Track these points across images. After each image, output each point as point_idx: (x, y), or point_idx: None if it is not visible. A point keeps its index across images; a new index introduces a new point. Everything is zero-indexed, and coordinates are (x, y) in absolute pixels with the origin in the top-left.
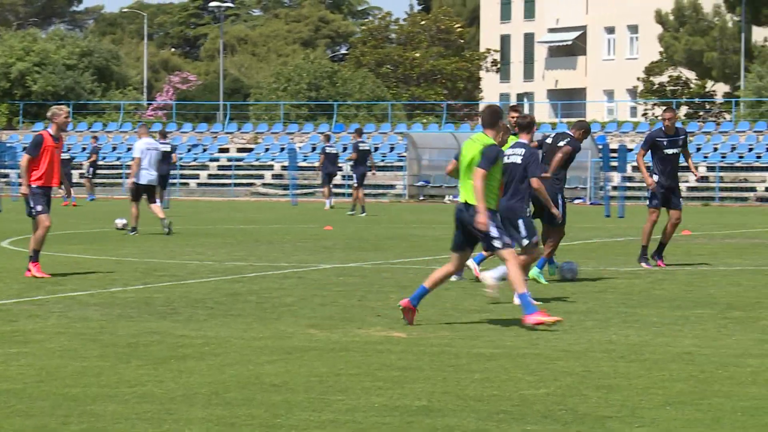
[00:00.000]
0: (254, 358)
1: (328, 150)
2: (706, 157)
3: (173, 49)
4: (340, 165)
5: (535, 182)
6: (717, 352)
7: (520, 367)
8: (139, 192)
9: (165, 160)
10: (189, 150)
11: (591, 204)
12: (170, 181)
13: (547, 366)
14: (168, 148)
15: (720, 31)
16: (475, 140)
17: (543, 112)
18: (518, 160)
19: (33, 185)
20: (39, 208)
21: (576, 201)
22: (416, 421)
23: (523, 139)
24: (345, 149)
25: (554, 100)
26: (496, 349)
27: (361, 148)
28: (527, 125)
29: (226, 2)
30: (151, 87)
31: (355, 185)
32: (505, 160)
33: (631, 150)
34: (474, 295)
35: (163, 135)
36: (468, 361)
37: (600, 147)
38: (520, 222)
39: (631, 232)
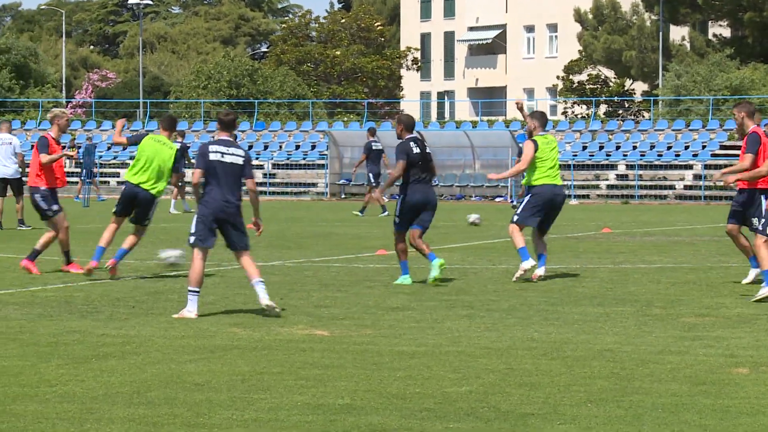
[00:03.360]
0: (176, 357)
1: (374, 147)
2: (625, 156)
3: (92, 47)
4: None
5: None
6: (637, 349)
7: (443, 365)
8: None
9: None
10: (109, 148)
11: (512, 202)
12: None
13: (470, 364)
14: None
15: (638, 30)
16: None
17: (464, 110)
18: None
19: (43, 187)
20: (55, 207)
21: (497, 199)
22: (339, 420)
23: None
24: (250, 147)
25: (475, 99)
26: (418, 348)
27: (374, 147)
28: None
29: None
30: (70, 85)
31: (371, 185)
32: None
33: None
34: (396, 294)
35: (182, 135)
36: (390, 360)
37: (520, 145)
38: None
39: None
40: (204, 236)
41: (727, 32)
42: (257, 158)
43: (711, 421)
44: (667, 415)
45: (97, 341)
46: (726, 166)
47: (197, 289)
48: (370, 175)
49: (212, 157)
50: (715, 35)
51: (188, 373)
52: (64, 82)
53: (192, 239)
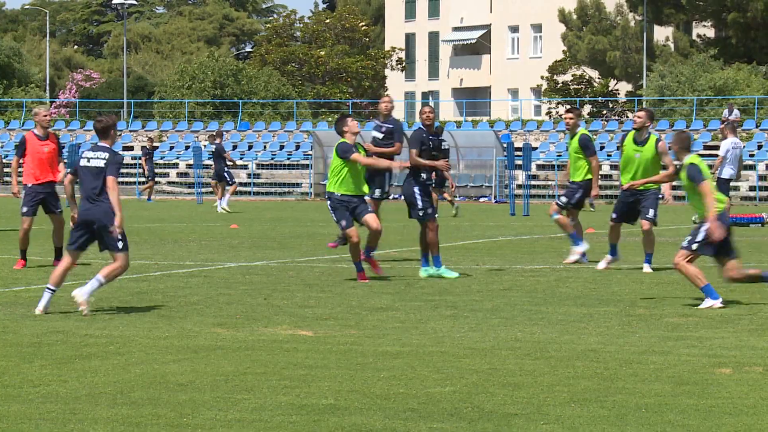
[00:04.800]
0: (160, 357)
1: (443, 146)
2: (609, 156)
3: (76, 47)
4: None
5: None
6: (621, 350)
7: (427, 365)
8: None
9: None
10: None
11: (496, 202)
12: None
13: (454, 364)
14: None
15: (622, 30)
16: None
17: (448, 110)
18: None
19: (28, 185)
20: (24, 209)
21: (481, 199)
22: (323, 420)
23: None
24: (234, 147)
25: (459, 99)
26: (402, 348)
27: (443, 147)
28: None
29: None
30: (53, 85)
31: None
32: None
33: (535, 149)
34: (380, 294)
35: (219, 136)
36: (375, 360)
37: (505, 145)
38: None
39: (536, 230)
40: (73, 240)
41: (711, 33)
42: (241, 158)
43: (694, 421)
44: (651, 415)
45: (81, 341)
46: (710, 166)
47: (54, 288)
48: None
49: (81, 162)
50: (699, 36)
51: (172, 374)
52: (48, 81)
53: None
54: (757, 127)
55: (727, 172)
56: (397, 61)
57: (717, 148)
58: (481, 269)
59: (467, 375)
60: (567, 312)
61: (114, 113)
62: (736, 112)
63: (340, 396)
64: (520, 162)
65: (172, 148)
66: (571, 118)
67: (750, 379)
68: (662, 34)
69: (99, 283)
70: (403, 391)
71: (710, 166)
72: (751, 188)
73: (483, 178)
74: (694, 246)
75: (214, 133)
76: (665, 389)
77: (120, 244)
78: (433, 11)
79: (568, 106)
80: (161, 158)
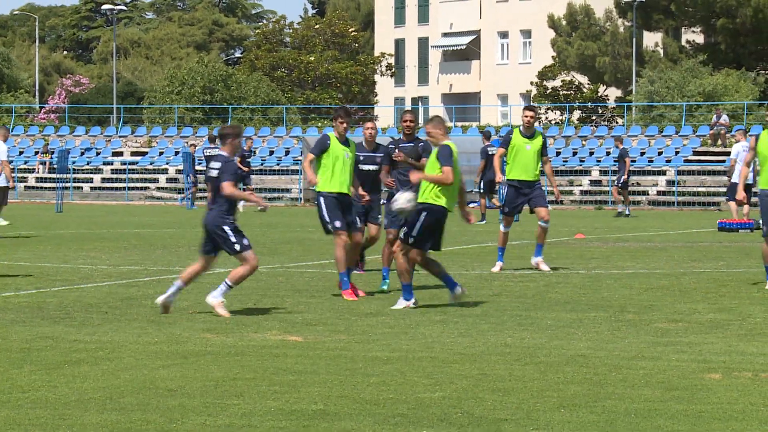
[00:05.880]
0: (149, 363)
1: (491, 152)
2: (599, 161)
3: (65, 52)
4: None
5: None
6: (611, 355)
7: (416, 370)
8: None
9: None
10: (82, 153)
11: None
12: (64, 185)
13: (443, 369)
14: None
15: (612, 36)
16: None
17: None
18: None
19: None
20: None
21: (471, 205)
22: (312, 425)
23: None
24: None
25: (449, 105)
26: (392, 353)
27: (490, 152)
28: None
29: (118, 5)
30: (43, 90)
31: (481, 192)
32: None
33: None
34: (370, 300)
35: (212, 140)
36: (364, 365)
37: (491, 151)
38: None
39: (525, 235)
40: (202, 244)
41: (700, 39)
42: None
43: (683, 427)
44: (640, 420)
45: (70, 347)
46: (699, 172)
47: (181, 285)
48: (482, 182)
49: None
50: (688, 41)
51: (161, 379)
52: (37, 87)
53: None
54: (746, 132)
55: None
56: (386, 66)
57: (707, 153)
58: (470, 274)
59: (457, 380)
60: (556, 317)
61: (103, 119)
62: (724, 117)
63: (329, 401)
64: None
65: (161, 153)
66: (533, 117)
67: (739, 385)
68: (651, 39)
69: (227, 286)
70: (393, 397)
71: (724, 172)
72: None
73: (472, 183)
74: (411, 240)
75: (210, 137)
76: (655, 395)
77: (237, 246)
78: (423, 17)
79: (529, 105)
80: (150, 164)
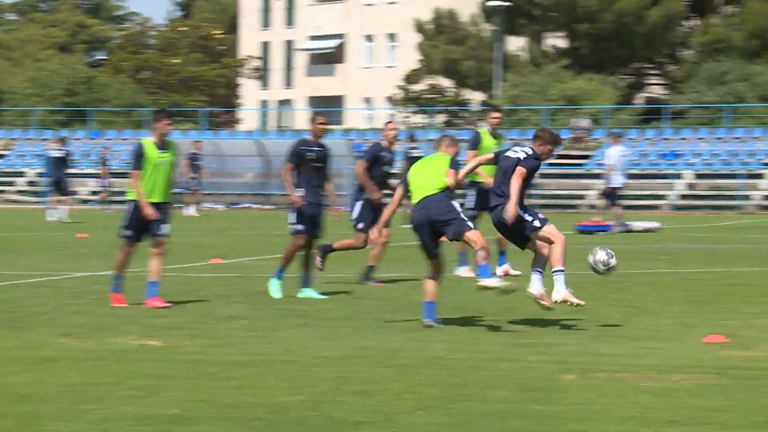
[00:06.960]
0: (2, 369)
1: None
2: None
3: None
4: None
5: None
6: (471, 357)
7: (276, 374)
8: None
9: (61, 165)
10: None
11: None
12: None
13: (303, 373)
14: (63, 154)
15: (477, 40)
16: None
17: (303, 119)
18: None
19: None
20: None
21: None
22: (169, 430)
23: None
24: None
25: (314, 108)
26: (252, 357)
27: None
28: None
29: None
30: None
31: None
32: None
33: None
34: (230, 303)
35: (62, 141)
36: (223, 369)
37: (355, 155)
38: None
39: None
40: None
41: (563, 43)
42: (93, 166)
43: (539, 427)
44: (496, 421)
45: None
46: (563, 176)
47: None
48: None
49: None
50: (551, 46)
51: (15, 385)
52: None
53: None
54: (607, 136)
55: (618, 180)
56: (254, 69)
57: (570, 157)
58: (331, 277)
59: (317, 384)
60: (417, 320)
61: None
62: (584, 121)
63: (187, 406)
64: None
65: (21, 156)
66: (499, 118)
67: (594, 385)
68: (515, 44)
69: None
70: (252, 401)
71: (598, 175)
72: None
73: (337, 186)
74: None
75: (59, 139)
76: (511, 395)
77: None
78: (290, 20)
79: (494, 106)
80: (10, 166)
